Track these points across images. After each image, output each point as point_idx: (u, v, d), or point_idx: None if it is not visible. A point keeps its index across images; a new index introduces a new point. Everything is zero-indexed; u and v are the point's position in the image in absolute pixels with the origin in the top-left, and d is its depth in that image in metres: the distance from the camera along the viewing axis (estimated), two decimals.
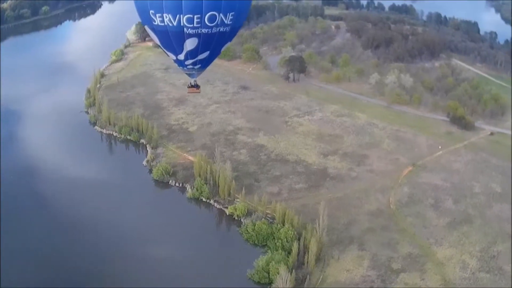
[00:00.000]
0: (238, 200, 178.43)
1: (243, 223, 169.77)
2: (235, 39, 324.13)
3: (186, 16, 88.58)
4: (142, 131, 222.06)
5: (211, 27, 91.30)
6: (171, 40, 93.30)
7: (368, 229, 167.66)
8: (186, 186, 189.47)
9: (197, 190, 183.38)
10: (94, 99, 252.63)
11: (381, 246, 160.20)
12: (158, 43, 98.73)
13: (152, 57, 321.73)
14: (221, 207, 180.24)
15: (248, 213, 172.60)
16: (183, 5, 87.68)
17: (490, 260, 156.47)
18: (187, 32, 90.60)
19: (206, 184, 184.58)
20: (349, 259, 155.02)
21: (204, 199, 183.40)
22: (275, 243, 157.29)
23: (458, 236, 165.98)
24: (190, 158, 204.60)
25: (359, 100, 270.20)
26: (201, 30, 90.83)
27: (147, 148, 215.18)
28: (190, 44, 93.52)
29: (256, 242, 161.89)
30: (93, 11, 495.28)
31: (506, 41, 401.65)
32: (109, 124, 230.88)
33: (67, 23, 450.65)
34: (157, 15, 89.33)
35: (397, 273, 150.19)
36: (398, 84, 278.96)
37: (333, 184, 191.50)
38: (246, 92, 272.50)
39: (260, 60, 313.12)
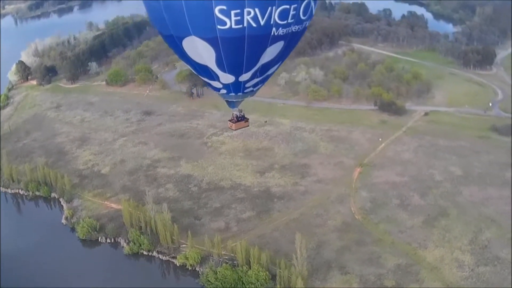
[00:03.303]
0: (184, 246, 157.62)
1: (200, 273, 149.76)
2: (120, 62, 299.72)
3: (280, 9, 64.56)
4: (51, 184, 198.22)
5: (303, 22, 68.78)
6: (243, 50, 67.76)
7: (342, 248, 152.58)
8: (119, 240, 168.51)
9: (134, 243, 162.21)
10: None
11: (363, 264, 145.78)
12: (206, 62, 70.84)
13: (40, 96, 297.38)
14: (168, 258, 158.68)
15: (202, 260, 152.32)
16: None
17: (483, 251, 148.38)
18: (275, 34, 66.72)
19: (142, 234, 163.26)
20: None
21: (145, 252, 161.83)
22: None
23: (440, 233, 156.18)
24: (113, 205, 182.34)
25: (274, 105, 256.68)
26: (292, 29, 67.61)
27: (62, 203, 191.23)
28: (271, 52, 69.89)
29: None
30: None
31: (403, 15, 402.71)
32: (13, 181, 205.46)
33: None
34: (233, 12, 63.27)
35: None
36: (309, 79, 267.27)
37: (283, 205, 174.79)
38: (151, 117, 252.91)
39: (156, 79, 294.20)
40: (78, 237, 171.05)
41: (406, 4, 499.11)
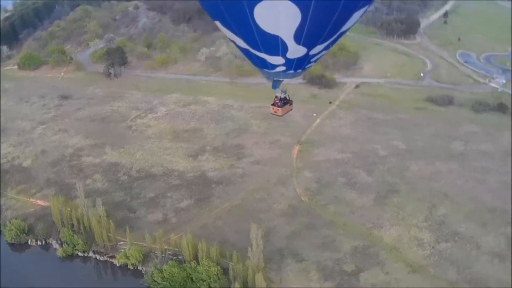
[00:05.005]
0: (122, 243, 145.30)
1: (144, 272, 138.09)
2: (31, 44, 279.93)
3: None
4: None
5: None
6: (333, 15, 52.84)
7: (293, 234, 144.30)
8: (50, 242, 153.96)
9: (67, 244, 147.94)
10: None
11: (318, 249, 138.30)
12: (280, 31, 54.29)
13: None
14: (106, 258, 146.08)
15: (144, 258, 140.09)
16: None
17: (441, 227, 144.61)
18: None
19: (75, 233, 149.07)
20: (293, 277, 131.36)
21: (80, 254, 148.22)
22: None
23: (393, 211, 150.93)
24: (40, 202, 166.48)
25: (197, 82, 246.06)
26: None
27: None
28: (354, 18, 55.70)
29: None
30: None
31: None
32: None
33: None
34: None
35: (355, 276, 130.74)
36: (231, 54, 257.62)
37: (222, 190, 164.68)
38: (69, 101, 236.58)
39: (71, 61, 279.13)
40: (6, 241, 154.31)
41: None
